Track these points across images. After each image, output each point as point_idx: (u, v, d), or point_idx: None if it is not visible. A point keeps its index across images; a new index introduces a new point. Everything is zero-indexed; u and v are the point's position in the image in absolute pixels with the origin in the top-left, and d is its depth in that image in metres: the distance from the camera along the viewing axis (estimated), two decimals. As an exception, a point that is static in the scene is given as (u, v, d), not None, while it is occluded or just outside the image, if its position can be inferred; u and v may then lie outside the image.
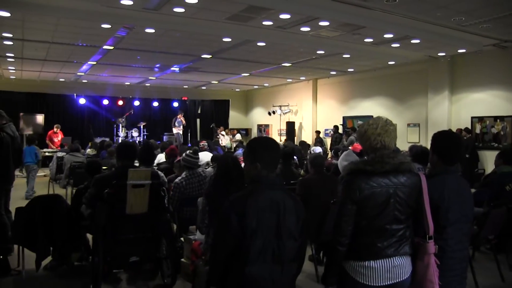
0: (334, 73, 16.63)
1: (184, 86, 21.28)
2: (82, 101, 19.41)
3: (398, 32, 9.75)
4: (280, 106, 19.84)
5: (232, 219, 2.28)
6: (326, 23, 9.11)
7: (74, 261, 5.29)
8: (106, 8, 8.19)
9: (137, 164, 5.14)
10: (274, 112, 19.86)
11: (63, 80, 18.45)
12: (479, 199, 5.10)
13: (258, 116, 22.74)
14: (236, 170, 3.87)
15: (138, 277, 5.02)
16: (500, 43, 10.88)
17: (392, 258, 2.40)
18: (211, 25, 9.26)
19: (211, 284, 2.48)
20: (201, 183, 5.44)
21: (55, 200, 5.15)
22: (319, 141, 16.14)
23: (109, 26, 9.40)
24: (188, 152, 5.63)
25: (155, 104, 21.27)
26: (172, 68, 15.44)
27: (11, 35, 10.36)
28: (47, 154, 14.39)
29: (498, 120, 11.84)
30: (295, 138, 18.49)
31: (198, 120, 22.67)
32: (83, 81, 18.79)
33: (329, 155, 13.50)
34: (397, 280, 2.42)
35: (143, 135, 18.87)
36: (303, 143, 13.50)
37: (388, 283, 2.40)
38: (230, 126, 22.37)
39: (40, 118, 15.01)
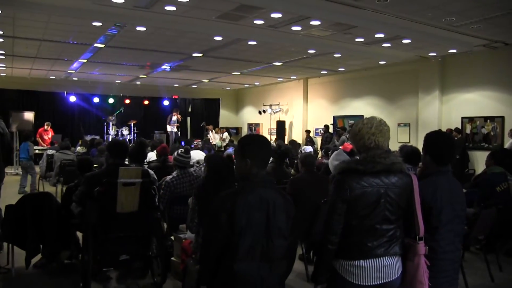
0: (325, 72, 16.67)
1: (175, 85, 21.22)
2: (72, 99, 19.29)
3: (389, 32, 9.80)
4: (271, 105, 19.86)
5: (222, 217, 2.29)
6: (317, 23, 9.13)
7: (64, 259, 5.26)
8: (97, 6, 8.14)
9: (127, 162, 5.12)
10: (264, 111, 19.87)
11: (54, 77, 18.33)
12: (469, 200, 5.14)
13: (249, 115, 22.75)
14: (227, 170, 3.87)
15: (128, 276, 5.00)
16: (490, 43, 10.98)
17: (382, 258, 2.41)
18: (202, 24, 9.24)
19: (202, 282, 2.48)
20: (192, 182, 5.42)
21: (45, 198, 5.11)
22: (309, 141, 16.17)
23: (100, 24, 9.35)
24: (179, 151, 5.63)
25: (146, 102, 21.18)
26: (163, 67, 15.38)
27: (1, 32, 10.27)
28: (37, 151, 14.26)
29: (488, 121, 11.94)
30: (286, 137, 18.52)
31: (188, 119, 22.61)
32: (74, 79, 18.68)
33: (320, 155, 13.53)
34: (386, 280, 2.42)
35: (134, 133, 18.79)
36: (293, 142, 13.52)
37: (378, 282, 2.41)
38: (221, 125, 22.34)
39: (30, 116, 14.89)
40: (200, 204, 3.84)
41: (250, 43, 11.18)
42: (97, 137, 14.67)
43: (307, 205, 4.76)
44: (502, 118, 11.59)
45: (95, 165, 6.91)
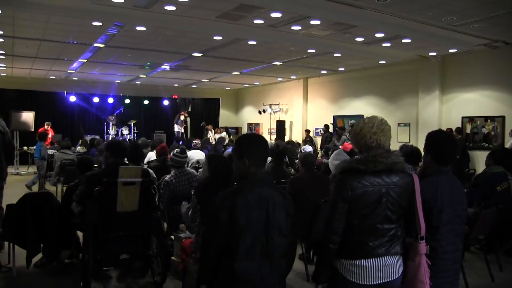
0: (324, 72, 16.66)
1: (175, 85, 21.22)
2: (72, 98, 19.29)
3: (389, 31, 9.80)
4: (271, 105, 19.85)
5: (222, 216, 2.29)
6: (317, 22, 9.13)
7: (64, 259, 5.27)
8: (97, 6, 8.14)
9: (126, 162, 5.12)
10: (264, 111, 19.86)
11: (54, 77, 18.33)
12: (469, 199, 5.13)
13: (249, 114, 22.74)
14: (227, 169, 3.87)
15: (128, 275, 5.00)
16: (491, 43, 10.96)
17: (383, 257, 2.40)
18: (202, 23, 9.23)
19: (202, 282, 2.48)
20: (190, 180, 5.44)
21: (45, 198, 5.11)
22: (308, 140, 16.17)
23: (100, 23, 9.35)
24: (175, 151, 5.63)
25: (146, 102, 21.18)
26: (163, 66, 15.38)
27: (1, 32, 10.28)
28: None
29: (488, 120, 11.93)
30: (286, 137, 18.51)
31: (188, 119, 22.60)
32: (74, 78, 18.69)
33: (319, 154, 13.53)
34: (387, 280, 2.42)
35: (133, 133, 18.79)
36: (291, 143, 13.50)
37: (379, 282, 2.40)
38: (221, 125, 22.33)
39: (30, 116, 14.90)
40: (201, 203, 3.84)
41: (250, 42, 11.18)
42: (97, 137, 14.66)
43: (307, 205, 4.77)
44: (503, 117, 11.58)
45: (95, 165, 6.91)
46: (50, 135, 15.30)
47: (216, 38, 10.71)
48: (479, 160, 11.64)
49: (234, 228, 2.29)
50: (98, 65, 15.24)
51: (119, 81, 19.90)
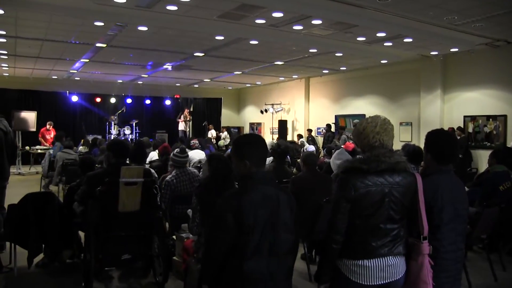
0: (326, 71, 16.65)
1: (177, 84, 21.22)
2: (74, 98, 19.31)
3: (391, 31, 9.78)
4: (273, 104, 19.84)
5: (228, 218, 2.28)
6: (318, 22, 9.12)
7: (66, 259, 5.27)
8: (99, 6, 8.15)
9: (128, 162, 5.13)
10: (266, 111, 19.85)
11: (56, 77, 18.35)
12: (471, 199, 5.13)
13: (251, 114, 22.73)
14: (228, 169, 3.87)
15: (130, 275, 5.01)
16: (492, 42, 10.94)
17: (386, 258, 2.40)
18: (204, 23, 9.23)
19: (203, 282, 2.47)
20: (191, 180, 5.43)
21: (47, 197, 5.13)
22: (310, 140, 16.17)
23: (102, 23, 9.36)
24: (175, 151, 5.62)
25: (148, 102, 21.20)
26: (165, 66, 15.39)
27: (4, 32, 10.29)
28: (39, 151, 14.33)
29: (490, 119, 11.91)
30: (288, 136, 18.51)
31: (190, 117, 22.60)
32: (76, 78, 18.71)
33: (321, 154, 13.53)
34: (390, 280, 2.41)
35: (136, 133, 18.81)
36: (293, 143, 13.53)
37: (382, 282, 2.40)
38: (223, 124, 22.35)
39: (32, 115, 14.92)
40: (202, 203, 3.84)
41: (252, 42, 11.18)
42: (99, 137, 14.68)
43: (309, 204, 4.76)
44: (505, 116, 11.55)
45: (98, 165, 6.91)
46: (52, 135, 15.34)
47: (217, 37, 10.71)
48: (482, 159, 11.63)
49: (241, 228, 2.28)
50: (100, 65, 15.24)
51: (121, 81, 19.92)
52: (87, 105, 19.87)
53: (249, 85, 21.83)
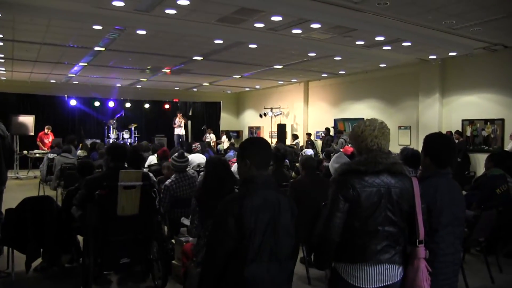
0: (325, 75, 16.69)
1: (175, 88, 21.24)
2: (73, 102, 19.29)
3: (390, 35, 9.81)
4: (272, 108, 19.86)
5: (229, 221, 2.28)
6: (317, 26, 9.14)
7: (64, 263, 5.24)
8: (97, 10, 8.16)
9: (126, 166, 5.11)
10: (265, 114, 19.86)
11: (54, 81, 18.34)
12: (468, 202, 5.15)
13: (250, 118, 22.75)
14: (225, 172, 3.88)
15: (129, 279, 4.99)
16: (490, 46, 10.99)
17: (384, 264, 2.39)
18: (203, 27, 9.25)
19: (204, 285, 2.46)
20: (191, 185, 5.43)
21: (45, 202, 5.10)
22: (310, 143, 16.19)
23: (100, 27, 9.36)
24: (174, 156, 5.62)
25: (146, 106, 21.19)
26: (164, 70, 15.40)
27: (1, 36, 10.28)
28: (37, 155, 14.29)
29: (488, 123, 11.93)
30: (287, 140, 18.52)
31: (189, 122, 22.63)
32: (74, 82, 18.69)
33: (320, 157, 13.53)
34: (388, 283, 2.40)
35: (134, 137, 18.79)
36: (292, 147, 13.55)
37: (380, 285, 2.39)
38: (222, 128, 22.35)
39: (30, 120, 14.89)
40: (201, 206, 3.83)
41: (251, 46, 11.19)
42: (98, 141, 14.68)
43: (308, 208, 4.75)
44: (502, 120, 11.58)
45: (98, 169, 6.89)
46: (50, 139, 15.32)
47: (216, 41, 10.73)
48: (479, 162, 11.63)
49: (243, 232, 2.28)
50: (98, 69, 15.24)
51: (119, 85, 19.92)
52: (85, 109, 19.84)
53: (248, 89, 21.86)
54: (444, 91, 13.03)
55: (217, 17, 8.60)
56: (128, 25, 9.27)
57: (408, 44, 10.64)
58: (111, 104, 20.13)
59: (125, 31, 9.75)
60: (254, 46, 11.17)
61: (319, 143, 17.15)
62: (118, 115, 19.11)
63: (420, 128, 13.45)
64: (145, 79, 17.90)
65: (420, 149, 3.09)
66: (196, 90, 21.76)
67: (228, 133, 20.78)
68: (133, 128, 18.83)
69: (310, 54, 12.35)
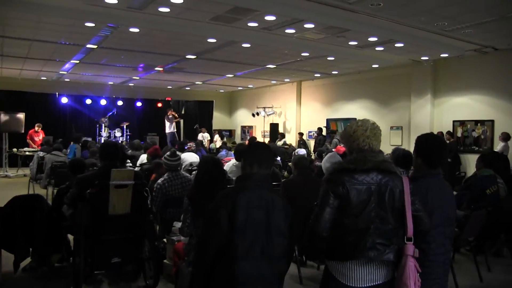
0: (318, 75, 16.72)
1: (168, 87, 21.16)
2: (64, 100, 19.14)
3: (382, 35, 9.85)
4: (264, 107, 19.87)
5: (222, 214, 2.32)
6: (311, 26, 9.15)
7: (54, 263, 5.19)
8: (90, 7, 8.09)
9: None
10: (258, 114, 19.87)
11: (45, 78, 18.16)
12: (459, 202, 5.19)
13: (242, 117, 22.74)
14: (217, 171, 3.88)
15: (120, 279, 4.96)
16: (481, 48, 11.09)
17: (374, 262, 2.40)
18: (196, 26, 9.21)
19: (195, 284, 2.47)
20: (184, 184, 5.41)
21: (35, 200, 5.05)
22: (302, 143, 16.22)
23: (93, 24, 9.28)
24: (166, 154, 5.60)
25: (139, 104, 21.08)
26: (156, 68, 15.34)
27: (-9, 32, 10.18)
28: (27, 153, 14.17)
29: (478, 124, 12.04)
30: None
31: (182, 121, 22.56)
32: (66, 80, 18.54)
33: (313, 157, 13.56)
34: (379, 282, 2.42)
35: (126, 135, 18.70)
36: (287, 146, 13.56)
37: (370, 284, 2.41)
38: (214, 127, 22.31)
39: (20, 117, 14.73)
40: (193, 205, 3.83)
41: (244, 45, 11.18)
42: (89, 139, 14.58)
43: (300, 207, 4.75)
44: (492, 121, 11.70)
45: (93, 167, 6.82)
46: (41, 137, 15.18)
47: (210, 40, 10.70)
48: (470, 163, 11.74)
49: (234, 226, 2.31)
50: (90, 67, 15.14)
51: (112, 83, 19.80)
52: (77, 107, 19.70)
53: (241, 88, 21.84)
54: (435, 92, 13.11)
55: (211, 15, 8.58)
56: (121, 23, 9.21)
57: (401, 45, 10.69)
58: (103, 102, 19.99)
59: (117, 28, 9.68)
60: (248, 45, 11.16)
61: (311, 142, 17.18)
62: (110, 113, 18.99)
63: (412, 129, 13.52)
64: (138, 77, 17.81)
65: (411, 149, 3.11)
66: (189, 88, 21.70)
67: (220, 132, 20.74)
68: (125, 127, 18.73)
69: (303, 54, 12.36)
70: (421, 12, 8.09)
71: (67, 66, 14.89)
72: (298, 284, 4.97)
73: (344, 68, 14.74)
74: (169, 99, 21.81)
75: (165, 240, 5.04)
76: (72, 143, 11.79)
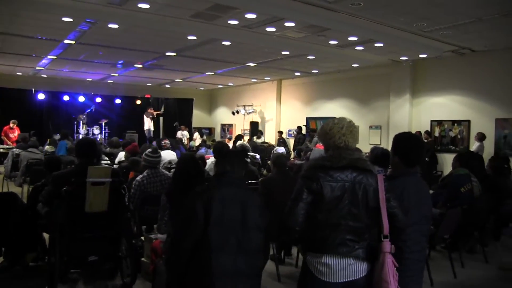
0: (298, 74, 16.78)
1: (148, 84, 20.98)
2: (41, 96, 18.74)
3: (362, 35, 9.94)
4: (244, 106, 19.86)
5: (198, 208, 2.37)
6: (291, 24, 9.18)
7: (29, 262, 5.08)
8: (68, 1, 7.95)
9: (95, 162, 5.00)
10: (238, 112, 19.86)
11: (21, 74, 17.81)
12: (435, 200, 5.27)
13: (222, 115, 22.69)
14: (195, 168, 3.87)
15: (97, 277, 4.89)
16: (458, 49, 11.29)
17: (346, 258, 2.43)
18: (176, 22, 9.14)
19: (171, 279, 2.48)
20: (163, 182, 5.36)
21: (8, 198, 4.94)
22: (282, 142, 16.27)
23: (70, 19, 9.13)
24: (147, 151, 5.55)
25: (118, 101, 20.80)
26: (136, 65, 15.17)
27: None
28: (1, 150, 13.83)
29: (455, 124, 12.26)
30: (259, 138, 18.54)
31: (161, 119, 22.38)
32: (43, 75, 18.21)
33: (292, 155, 13.61)
34: (352, 278, 2.45)
35: (105, 132, 18.45)
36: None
37: (345, 280, 2.44)
38: (194, 125, 22.17)
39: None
40: (171, 202, 3.80)
41: (224, 43, 11.15)
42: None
43: (278, 205, 4.76)
44: (468, 122, 11.93)
45: (71, 165, 6.69)
46: (16, 134, 14.86)
47: (190, 37, 10.63)
48: (447, 162, 11.92)
49: (209, 219, 2.36)
50: (68, 62, 14.89)
51: (90, 79, 19.52)
52: (54, 104, 19.30)
53: (221, 86, 21.79)
54: (414, 92, 13.29)
55: (191, 12, 8.52)
56: (100, 18, 9.08)
57: (381, 45, 10.80)
58: (81, 99, 19.58)
59: (96, 24, 9.55)
60: (228, 43, 11.13)
61: (291, 141, 17.23)
62: (88, 110, 18.70)
63: (390, 128, 13.68)
64: (117, 74, 17.60)
65: (390, 148, 3.14)
66: (168, 86, 21.56)
67: (200, 130, 20.65)
68: (103, 124, 18.48)
69: (283, 53, 12.39)
70: (401, 13, 8.19)
71: (44, 61, 14.63)
72: (276, 282, 4.98)
73: (324, 67, 14.82)
74: (149, 96, 21.60)
75: (142, 238, 4.99)
76: (58, 139, 11.75)
